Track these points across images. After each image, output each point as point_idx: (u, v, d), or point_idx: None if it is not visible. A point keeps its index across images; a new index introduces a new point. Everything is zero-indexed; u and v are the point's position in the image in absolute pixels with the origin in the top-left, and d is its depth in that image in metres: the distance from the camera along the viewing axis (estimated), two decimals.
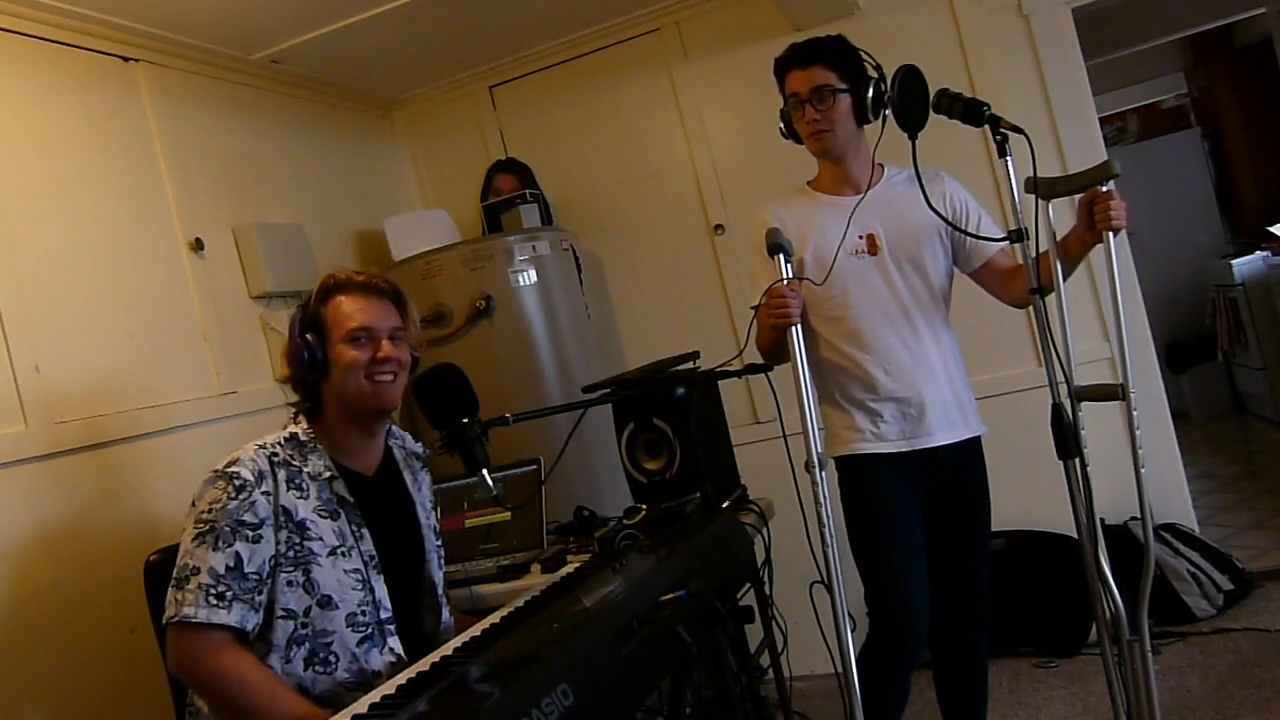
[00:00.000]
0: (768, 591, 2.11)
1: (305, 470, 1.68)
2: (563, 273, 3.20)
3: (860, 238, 2.10)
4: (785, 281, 1.89)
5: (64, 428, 2.15)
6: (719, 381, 2.39)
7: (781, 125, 2.18)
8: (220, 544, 1.54)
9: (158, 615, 1.64)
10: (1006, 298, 2.18)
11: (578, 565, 2.04)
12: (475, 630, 1.59)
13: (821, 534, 1.81)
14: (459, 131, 3.73)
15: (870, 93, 2.06)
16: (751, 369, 2.23)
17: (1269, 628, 2.97)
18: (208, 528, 1.56)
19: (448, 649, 1.52)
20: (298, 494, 1.65)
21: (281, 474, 1.64)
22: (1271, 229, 5.24)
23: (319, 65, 3.13)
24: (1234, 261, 5.43)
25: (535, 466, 2.53)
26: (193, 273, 2.61)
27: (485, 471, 1.76)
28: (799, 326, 1.90)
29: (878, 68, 2.09)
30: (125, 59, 2.58)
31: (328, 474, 1.70)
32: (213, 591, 1.52)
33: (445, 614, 1.88)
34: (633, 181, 3.53)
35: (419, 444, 1.98)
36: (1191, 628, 3.06)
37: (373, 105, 3.66)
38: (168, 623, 1.55)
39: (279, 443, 1.69)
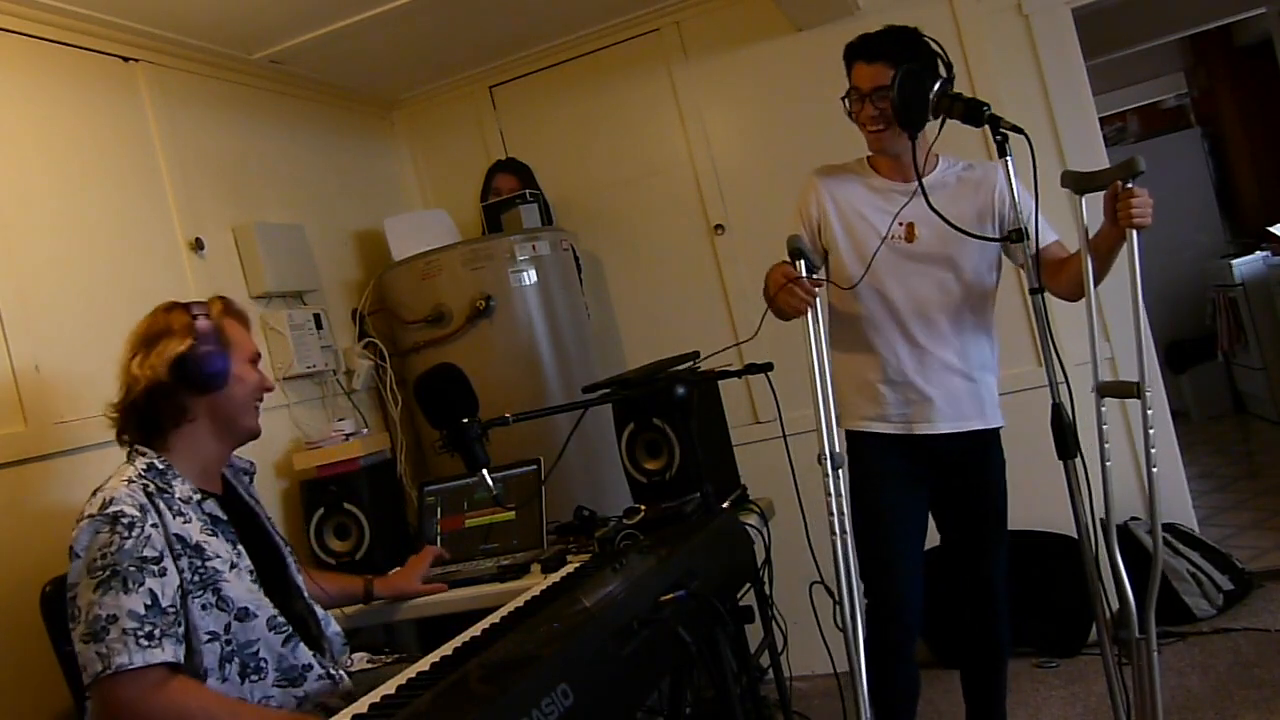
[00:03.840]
0: (768, 591, 2.12)
1: (177, 495, 1.64)
2: (563, 273, 3.20)
3: (900, 224, 2.10)
4: (808, 278, 1.91)
5: (64, 428, 2.15)
6: (719, 381, 2.39)
7: (845, 107, 2.13)
8: (131, 585, 1.48)
9: None
10: (1053, 288, 2.07)
11: (578, 565, 2.04)
12: (475, 630, 1.59)
13: (832, 528, 1.81)
14: (459, 131, 3.73)
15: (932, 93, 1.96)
16: (751, 369, 2.22)
17: (1269, 628, 2.97)
18: (109, 574, 1.49)
19: (447, 649, 1.51)
20: (182, 519, 1.61)
21: (160, 502, 1.60)
22: (1271, 229, 5.24)
23: (319, 65, 3.13)
24: (1234, 261, 5.43)
25: (535, 466, 2.53)
26: (193, 273, 2.60)
27: (485, 471, 1.76)
28: (821, 313, 1.91)
29: (949, 65, 2.06)
30: (125, 59, 2.58)
31: (197, 496, 1.68)
32: (140, 633, 1.46)
33: (320, 613, 1.88)
34: (633, 181, 3.53)
35: (243, 459, 1.96)
36: (1191, 628, 3.06)
37: (373, 105, 3.66)
38: (97, 679, 1.45)
39: (142, 473, 1.63)
